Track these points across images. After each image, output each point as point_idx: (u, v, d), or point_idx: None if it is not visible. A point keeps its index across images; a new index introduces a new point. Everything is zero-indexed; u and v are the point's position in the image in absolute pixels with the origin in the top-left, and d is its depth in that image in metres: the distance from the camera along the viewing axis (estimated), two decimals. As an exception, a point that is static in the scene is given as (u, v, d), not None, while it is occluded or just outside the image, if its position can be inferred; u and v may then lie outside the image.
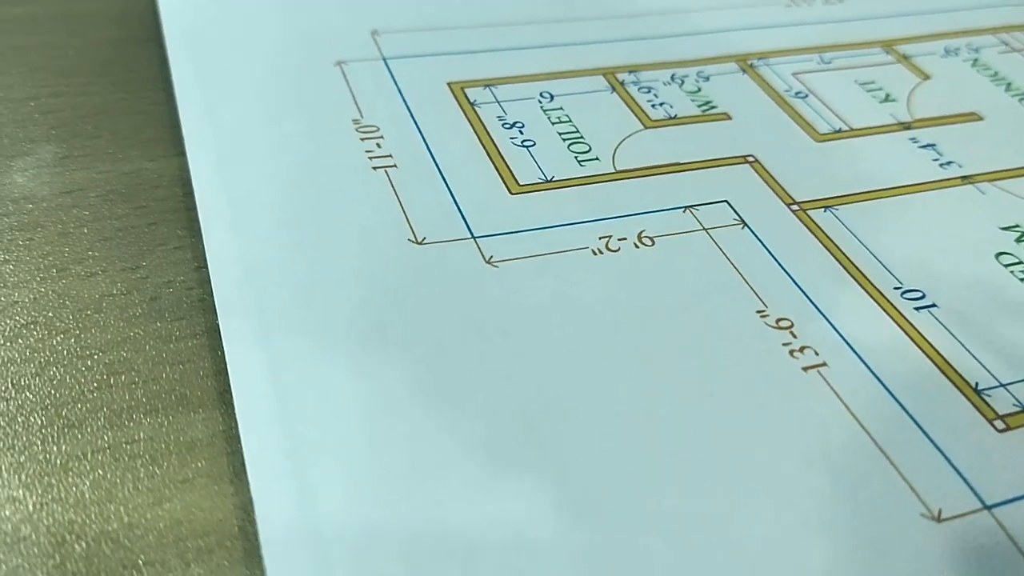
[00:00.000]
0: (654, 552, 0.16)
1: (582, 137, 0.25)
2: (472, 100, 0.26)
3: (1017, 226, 0.23)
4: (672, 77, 0.28)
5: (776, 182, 0.24)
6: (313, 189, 0.22)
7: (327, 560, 0.15)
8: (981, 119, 0.27)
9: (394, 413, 0.18)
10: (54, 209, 0.22)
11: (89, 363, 0.19)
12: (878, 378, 0.19)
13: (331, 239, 0.21)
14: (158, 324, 0.20)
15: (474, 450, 0.17)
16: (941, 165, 0.25)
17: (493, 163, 0.24)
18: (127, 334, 0.19)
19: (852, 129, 0.26)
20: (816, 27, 0.31)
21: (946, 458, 0.18)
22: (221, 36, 0.27)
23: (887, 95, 0.28)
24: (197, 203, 0.22)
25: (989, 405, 0.19)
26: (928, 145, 0.26)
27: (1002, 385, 0.19)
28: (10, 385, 0.18)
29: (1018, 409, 0.19)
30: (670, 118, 0.26)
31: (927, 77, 0.29)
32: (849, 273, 0.22)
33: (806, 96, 0.27)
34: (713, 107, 0.27)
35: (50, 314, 0.20)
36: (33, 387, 0.18)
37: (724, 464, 0.18)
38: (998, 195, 0.24)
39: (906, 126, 0.27)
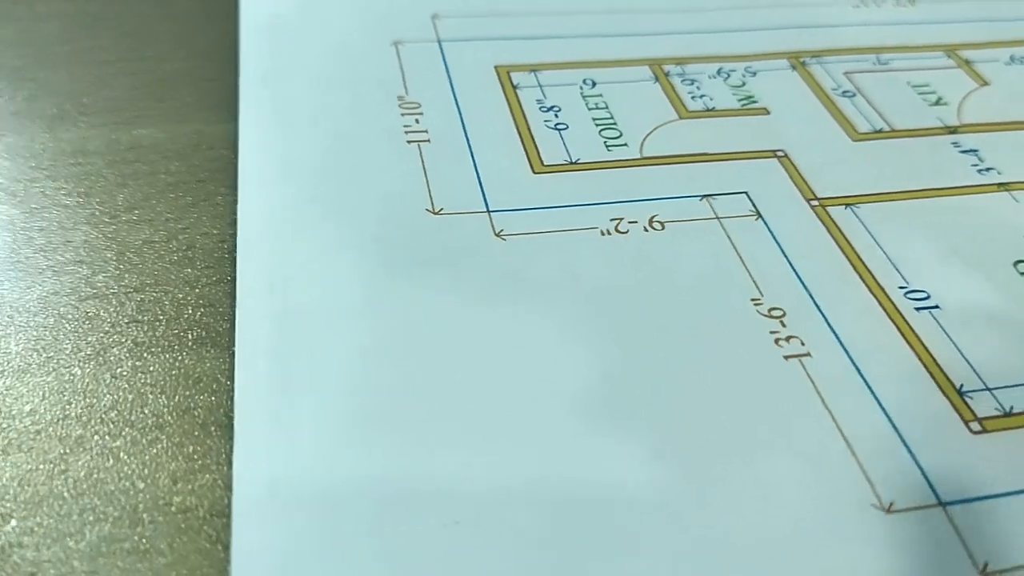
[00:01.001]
0: (616, 520, 0.17)
1: (615, 123, 0.26)
2: (515, 83, 0.27)
3: (1046, 236, 0.23)
4: (719, 71, 0.28)
5: (801, 177, 0.24)
6: (347, 157, 0.24)
7: (294, 502, 0.17)
8: (1035, 128, 0.27)
9: (384, 370, 0.19)
10: (117, 162, 0.24)
11: (123, 300, 0.21)
12: (859, 371, 0.20)
13: (354, 204, 0.23)
14: (189, 270, 0.22)
15: (453, 409, 0.18)
16: (980, 171, 0.25)
17: (523, 143, 0.25)
18: (160, 277, 0.21)
19: (893, 130, 0.26)
20: (879, 28, 0.31)
21: (911, 453, 0.18)
22: (292, 16, 0.29)
23: (939, 99, 0.28)
24: (239, 163, 0.23)
25: (969, 407, 0.19)
26: (970, 150, 0.26)
27: (988, 389, 0.19)
28: (51, 313, 0.20)
29: (999, 413, 0.19)
30: (707, 110, 0.27)
31: (985, 83, 0.28)
32: (856, 270, 0.22)
33: (853, 95, 0.27)
34: (753, 101, 0.27)
35: (95, 254, 0.22)
36: (70, 317, 0.20)
37: (693, 440, 0.18)
38: (1035, 204, 0.24)
39: (952, 130, 0.26)
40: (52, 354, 0.20)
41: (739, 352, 0.20)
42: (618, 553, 0.16)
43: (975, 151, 0.26)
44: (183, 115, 0.26)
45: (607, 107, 0.26)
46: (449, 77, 0.27)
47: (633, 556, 0.16)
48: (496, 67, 0.28)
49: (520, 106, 0.26)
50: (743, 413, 0.19)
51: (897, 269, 0.22)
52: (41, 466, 0.18)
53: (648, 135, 0.25)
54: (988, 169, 0.25)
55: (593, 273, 0.21)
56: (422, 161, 0.24)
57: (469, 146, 0.25)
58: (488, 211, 0.23)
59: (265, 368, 0.19)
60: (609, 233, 0.22)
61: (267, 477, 0.17)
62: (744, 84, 0.28)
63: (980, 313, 0.21)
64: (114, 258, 0.22)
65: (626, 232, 0.22)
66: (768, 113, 0.27)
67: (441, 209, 0.23)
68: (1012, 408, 0.19)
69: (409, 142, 0.25)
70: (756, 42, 0.29)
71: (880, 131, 0.26)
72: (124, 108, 0.26)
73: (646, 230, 0.23)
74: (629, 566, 0.16)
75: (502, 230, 0.22)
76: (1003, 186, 0.24)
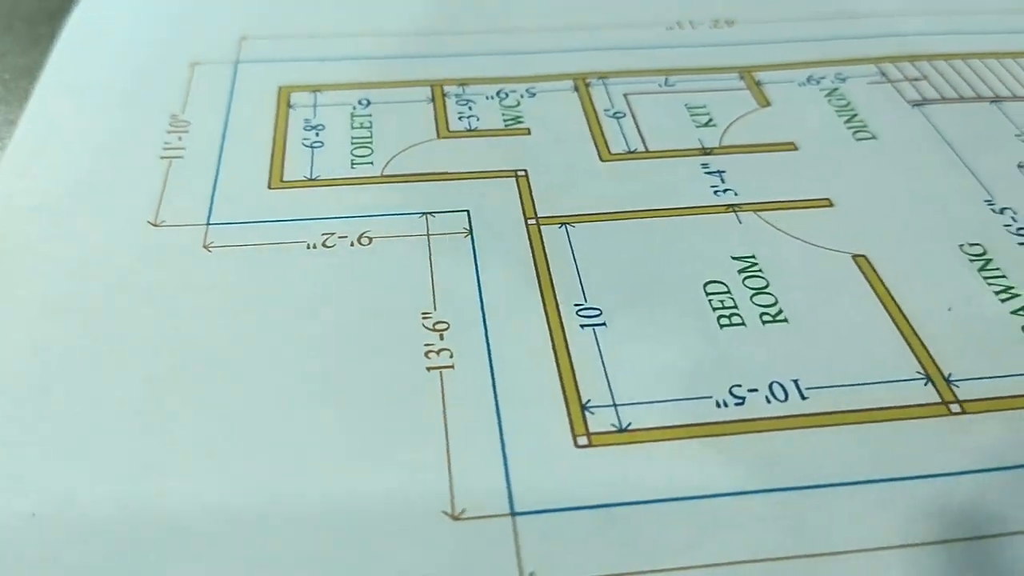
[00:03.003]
0: (191, 523, 0.18)
1: (371, 142, 0.27)
2: (291, 103, 0.28)
3: (751, 257, 0.23)
4: (498, 92, 0.29)
5: (531, 197, 0.25)
6: (95, 174, 0.25)
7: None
8: (796, 149, 0.27)
9: (47, 379, 0.20)
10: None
11: None
12: (494, 385, 0.20)
13: (84, 218, 0.24)
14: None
15: (81, 414, 0.19)
16: (716, 192, 0.25)
17: (272, 160, 0.26)
18: None
19: (647, 151, 0.27)
20: (681, 50, 0.31)
21: (505, 465, 0.19)
22: (106, 33, 0.31)
23: (709, 120, 0.28)
24: (-3, 175, 0.25)
25: (585, 421, 0.19)
26: (717, 172, 0.26)
27: (613, 405, 0.20)
28: None
29: (614, 429, 0.19)
30: (468, 130, 0.27)
31: (767, 104, 0.29)
32: (540, 287, 0.22)
33: (623, 116, 0.28)
34: (520, 122, 0.28)
35: None
36: None
37: (298, 447, 0.19)
38: (756, 225, 0.24)
39: (706, 152, 0.27)
40: None
41: (386, 364, 0.21)
42: (185, 556, 0.17)
43: (721, 172, 0.26)
44: (-21, 131, 0.28)
45: (371, 127, 0.27)
46: (231, 97, 0.28)
47: (199, 561, 0.17)
48: (280, 87, 0.29)
49: (285, 125, 0.27)
50: (363, 421, 0.19)
51: (582, 287, 0.22)
52: None
53: (397, 154, 0.26)
54: (726, 190, 0.25)
55: (284, 285, 0.22)
56: (166, 177, 0.25)
57: (219, 163, 0.26)
58: (207, 224, 0.24)
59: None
60: (315, 247, 0.23)
61: None
62: (519, 105, 0.28)
63: (644, 333, 0.21)
64: None
65: (332, 247, 0.23)
66: (529, 133, 0.27)
67: (163, 221, 0.24)
68: (629, 424, 0.19)
69: (162, 158, 0.26)
70: (547, 63, 0.30)
71: (633, 152, 0.27)
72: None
73: (352, 245, 0.23)
74: (192, 569, 0.17)
75: (211, 242, 0.23)
76: (732, 207, 0.25)
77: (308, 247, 0.23)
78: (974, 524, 0.18)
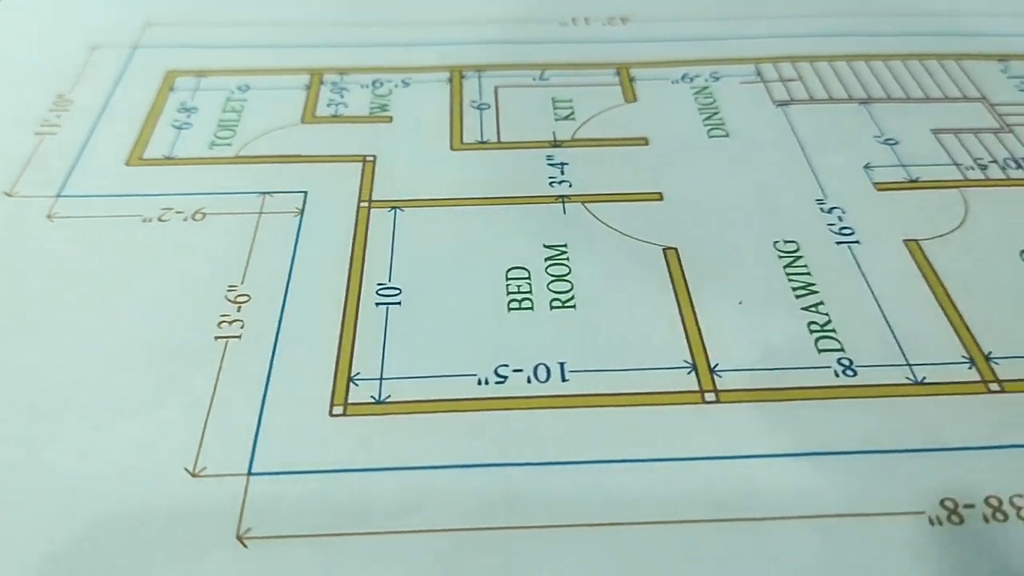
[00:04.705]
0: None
1: (236, 125, 0.28)
2: (174, 86, 0.30)
3: (563, 245, 0.24)
4: (374, 81, 0.30)
5: (371, 181, 0.26)
6: (-28, 146, 0.27)
7: None
8: (646, 145, 0.27)
9: None
10: None
11: None
12: (273, 357, 0.21)
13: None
14: None
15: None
16: (552, 183, 0.26)
17: (138, 139, 0.27)
18: None
19: (499, 142, 0.27)
20: (565, 45, 0.31)
21: (258, 430, 0.20)
22: (22, 16, 0.32)
23: (570, 114, 0.28)
24: None
25: (347, 393, 0.20)
26: (559, 163, 0.26)
27: (379, 379, 0.21)
28: None
29: (372, 401, 0.20)
30: (333, 116, 0.28)
31: (634, 100, 0.29)
32: (350, 265, 0.23)
33: (487, 108, 0.29)
34: (384, 110, 0.29)
35: None
36: None
37: (63, 406, 0.20)
38: (579, 215, 0.25)
39: (556, 144, 0.27)
40: None
41: (178, 331, 0.22)
42: None
43: (563, 164, 0.26)
44: None
45: (241, 111, 0.28)
46: (119, 80, 0.30)
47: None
48: (167, 71, 0.30)
49: (161, 106, 0.29)
50: (137, 382, 0.20)
51: (391, 268, 0.23)
52: None
53: (257, 137, 0.27)
54: (562, 182, 0.26)
55: (112, 255, 0.24)
56: (35, 152, 0.27)
57: (88, 140, 0.27)
58: (56, 196, 0.25)
59: None
60: (151, 221, 0.25)
61: None
62: (390, 94, 0.29)
63: (433, 313, 0.22)
64: None
65: (167, 221, 0.25)
66: (390, 121, 0.28)
67: (17, 192, 0.25)
68: (388, 397, 0.20)
69: (36, 134, 0.27)
70: (429, 56, 0.31)
71: (485, 142, 0.27)
72: None
73: (186, 220, 0.25)
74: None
75: (56, 213, 0.25)
76: (561, 198, 0.25)
77: (143, 220, 0.25)
78: (703, 507, 0.18)
